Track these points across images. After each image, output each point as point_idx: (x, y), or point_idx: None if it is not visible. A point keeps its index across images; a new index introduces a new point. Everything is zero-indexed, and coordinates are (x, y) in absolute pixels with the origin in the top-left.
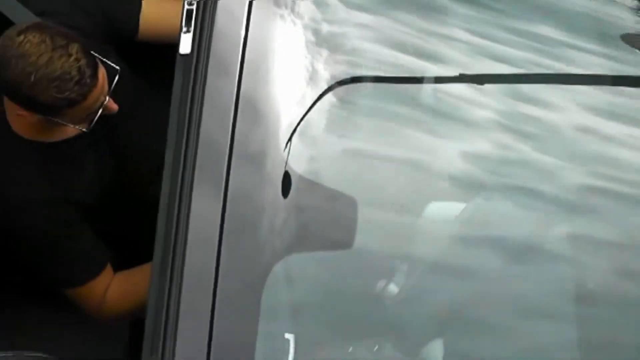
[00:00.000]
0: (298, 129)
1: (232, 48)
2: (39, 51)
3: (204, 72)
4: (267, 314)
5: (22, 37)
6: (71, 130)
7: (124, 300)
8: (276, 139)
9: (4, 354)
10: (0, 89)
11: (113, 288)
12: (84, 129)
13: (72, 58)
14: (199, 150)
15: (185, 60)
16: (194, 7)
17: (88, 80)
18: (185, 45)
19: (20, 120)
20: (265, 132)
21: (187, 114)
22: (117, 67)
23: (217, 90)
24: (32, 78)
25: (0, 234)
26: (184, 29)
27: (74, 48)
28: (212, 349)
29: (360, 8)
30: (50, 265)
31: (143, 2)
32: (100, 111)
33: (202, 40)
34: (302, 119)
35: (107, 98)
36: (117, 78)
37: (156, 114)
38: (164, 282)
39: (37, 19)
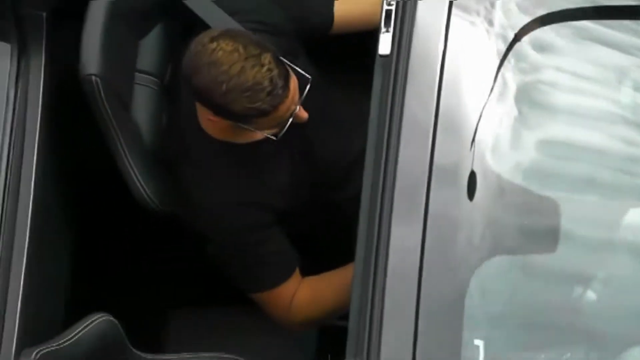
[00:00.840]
0: (490, 133)
1: (432, 49)
2: (232, 60)
3: (404, 73)
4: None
5: (214, 44)
6: (261, 134)
7: (311, 306)
8: (469, 141)
9: (196, 355)
10: (193, 92)
11: (300, 294)
12: (273, 137)
13: (265, 68)
14: (400, 150)
15: (385, 61)
16: (393, 7)
17: (280, 91)
18: (385, 45)
19: (211, 122)
20: (463, 137)
21: (388, 115)
22: (309, 77)
23: (418, 91)
24: (224, 87)
25: (198, 232)
26: (383, 29)
27: (267, 58)
28: (417, 353)
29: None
30: (240, 268)
31: None
32: (290, 120)
33: (402, 41)
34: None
35: (298, 107)
36: (308, 87)
37: (344, 115)
38: (367, 286)
39: (229, 18)
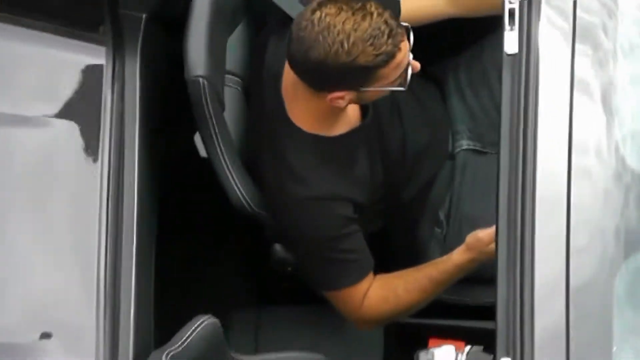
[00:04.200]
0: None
1: (561, 46)
2: (342, 19)
3: (536, 72)
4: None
5: (318, 13)
6: (350, 121)
7: (383, 304)
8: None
9: (283, 355)
10: (310, 73)
11: (373, 292)
12: (402, 88)
13: (375, 14)
14: (537, 149)
15: (513, 60)
16: (516, 5)
17: (398, 30)
18: (512, 44)
19: (304, 114)
20: (600, 131)
21: (522, 115)
22: (408, 25)
23: (550, 89)
24: (346, 45)
25: (279, 228)
26: (508, 28)
27: (372, 5)
28: (570, 348)
29: None
30: (320, 265)
31: None
32: (409, 69)
33: (529, 39)
34: None
35: (411, 55)
36: (412, 34)
37: (412, 109)
38: (513, 283)
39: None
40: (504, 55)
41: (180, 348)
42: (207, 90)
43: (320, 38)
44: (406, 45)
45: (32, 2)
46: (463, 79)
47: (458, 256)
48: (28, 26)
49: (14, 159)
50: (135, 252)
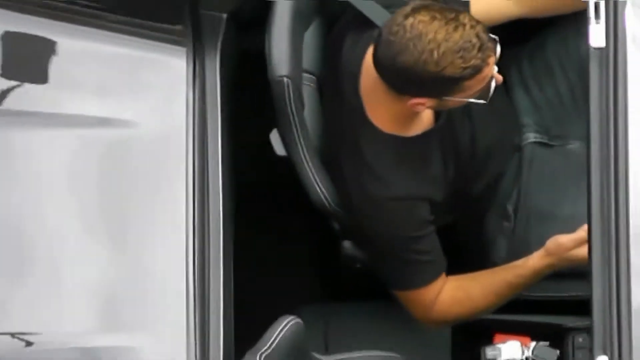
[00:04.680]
0: None
1: None
2: (434, 28)
3: (624, 66)
4: None
5: (410, 19)
6: (424, 123)
7: (455, 306)
8: None
9: (361, 354)
10: (395, 77)
11: (445, 294)
12: (484, 101)
13: (468, 26)
14: (629, 144)
15: (600, 54)
16: None
17: (489, 44)
18: (598, 37)
19: (383, 114)
20: None
21: (612, 110)
22: (496, 38)
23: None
24: (436, 55)
25: (355, 226)
26: (594, 21)
27: (465, 17)
28: None
29: None
30: (394, 265)
31: None
32: (493, 82)
33: (617, 32)
34: None
35: (496, 68)
36: (499, 47)
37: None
38: (609, 281)
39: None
40: (590, 48)
41: (270, 349)
42: (291, 90)
43: (411, 45)
44: (493, 60)
45: (114, 2)
46: (526, 71)
47: (536, 261)
48: (109, 27)
49: (99, 160)
50: (223, 252)
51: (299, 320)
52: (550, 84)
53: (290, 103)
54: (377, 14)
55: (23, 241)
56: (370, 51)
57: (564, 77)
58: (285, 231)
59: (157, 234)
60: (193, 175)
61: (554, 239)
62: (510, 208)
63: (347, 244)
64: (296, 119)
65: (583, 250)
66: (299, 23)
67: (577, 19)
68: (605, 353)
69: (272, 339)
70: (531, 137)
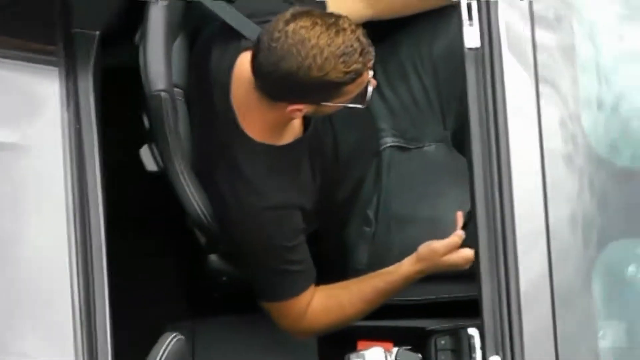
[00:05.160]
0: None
1: (521, 38)
2: (316, 33)
3: (500, 64)
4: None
5: (292, 25)
6: (295, 131)
7: (326, 315)
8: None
9: None
10: (275, 84)
11: (316, 302)
12: (361, 105)
13: (349, 30)
14: (510, 144)
15: (476, 54)
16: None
17: (370, 48)
18: (473, 39)
19: (256, 123)
20: (568, 120)
21: (491, 107)
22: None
23: (516, 80)
24: (319, 60)
25: (228, 238)
26: (467, 22)
27: (345, 21)
28: (559, 342)
29: None
30: (267, 276)
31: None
32: (370, 87)
33: (491, 33)
34: None
35: (371, 72)
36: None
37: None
38: (497, 282)
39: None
40: (465, 50)
41: None
42: (168, 105)
43: (294, 50)
44: (372, 62)
45: None
46: (380, 76)
47: (407, 267)
48: None
49: None
50: (105, 266)
51: (181, 336)
52: (405, 88)
53: (167, 117)
54: (242, 24)
55: None
56: (240, 61)
57: (418, 80)
58: (153, 246)
59: (40, 252)
60: (73, 194)
61: (426, 245)
62: (370, 213)
63: (212, 257)
64: (172, 133)
65: (455, 256)
66: (169, 37)
67: (432, 20)
68: (497, 353)
69: (159, 356)
70: (389, 141)
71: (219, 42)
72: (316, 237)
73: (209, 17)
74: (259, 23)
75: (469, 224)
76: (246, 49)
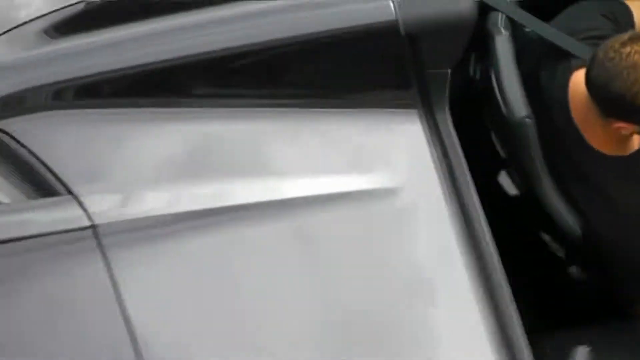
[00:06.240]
0: None
1: None
2: None
3: None
4: None
5: (627, 48)
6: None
7: None
8: None
9: None
10: (605, 100)
11: None
12: None
13: None
14: None
15: None
16: None
17: None
18: None
19: (602, 137)
20: None
21: None
22: None
23: None
24: None
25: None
26: None
27: None
28: None
29: None
30: None
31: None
32: None
33: None
34: None
35: None
36: None
37: None
38: None
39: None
40: None
41: None
42: (532, 130)
43: (625, 74)
44: None
45: (335, 82)
46: None
47: None
48: (340, 106)
49: (362, 236)
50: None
51: None
52: None
53: (534, 142)
54: (569, 44)
55: None
56: (575, 78)
57: None
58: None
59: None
60: (462, 231)
61: None
62: None
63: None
64: (538, 157)
65: None
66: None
67: None
68: None
69: None
70: None
71: (547, 62)
72: None
73: (531, 42)
74: (580, 40)
75: None
76: (577, 67)
